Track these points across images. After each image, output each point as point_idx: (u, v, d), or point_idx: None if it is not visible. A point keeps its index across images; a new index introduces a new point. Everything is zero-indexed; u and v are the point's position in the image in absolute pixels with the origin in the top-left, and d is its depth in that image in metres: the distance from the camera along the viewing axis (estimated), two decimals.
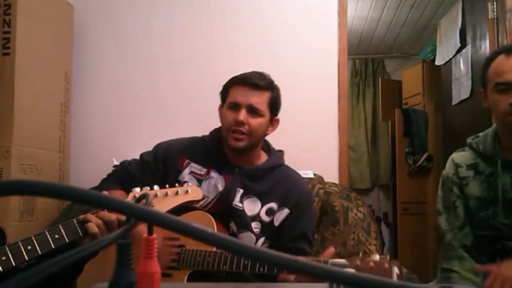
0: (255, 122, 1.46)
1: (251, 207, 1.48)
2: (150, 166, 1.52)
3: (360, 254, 1.28)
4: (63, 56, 2.35)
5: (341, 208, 2.11)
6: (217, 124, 1.60)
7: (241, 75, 1.51)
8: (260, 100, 1.47)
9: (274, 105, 1.52)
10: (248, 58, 2.50)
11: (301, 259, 0.36)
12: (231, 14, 2.55)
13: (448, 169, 1.50)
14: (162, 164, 1.53)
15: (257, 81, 1.47)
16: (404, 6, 4.06)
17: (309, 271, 0.35)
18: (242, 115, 1.44)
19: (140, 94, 2.51)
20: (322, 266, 0.35)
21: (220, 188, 1.48)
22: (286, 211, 1.50)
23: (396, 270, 1.23)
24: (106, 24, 2.55)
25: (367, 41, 4.96)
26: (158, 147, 1.59)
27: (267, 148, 1.61)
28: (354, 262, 1.26)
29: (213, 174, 1.51)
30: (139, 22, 2.55)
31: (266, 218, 1.48)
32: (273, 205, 1.50)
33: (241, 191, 1.49)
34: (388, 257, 1.28)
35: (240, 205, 1.48)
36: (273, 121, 1.54)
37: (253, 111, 1.46)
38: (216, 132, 1.58)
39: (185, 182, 1.43)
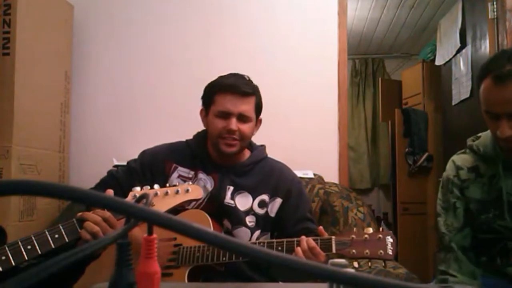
0: (245, 127, 1.49)
1: (243, 202, 1.50)
2: (137, 173, 1.53)
3: (355, 229, 1.30)
4: (63, 56, 2.35)
5: (341, 208, 2.11)
6: None
7: (225, 81, 1.50)
8: (249, 107, 1.49)
9: (259, 108, 1.55)
10: (247, 58, 2.51)
11: (302, 258, 0.36)
12: (229, 15, 2.55)
13: (449, 171, 1.49)
14: (149, 171, 1.54)
15: (244, 89, 1.48)
16: (404, 6, 4.05)
17: (309, 271, 0.35)
18: (234, 124, 1.46)
19: (140, 94, 2.51)
20: (322, 266, 0.35)
21: (210, 188, 1.50)
22: (279, 200, 1.53)
23: (389, 239, 1.25)
24: (105, 24, 2.55)
25: (367, 41, 4.96)
26: (144, 154, 1.61)
27: (249, 144, 1.64)
28: (350, 236, 1.27)
29: (201, 175, 1.53)
30: (139, 22, 2.55)
31: (259, 211, 1.51)
32: (265, 197, 1.52)
33: (231, 188, 1.51)
34: (381, 229, 1.29)
35: (232, 202, 1.50)
36: (257, 122, 1.58)
37: (243, 118, 1.48)
38: (200, 135, 1.61)
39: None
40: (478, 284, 1.38)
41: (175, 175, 1.53)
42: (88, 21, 2.52)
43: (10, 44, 1.92)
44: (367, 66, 5.43)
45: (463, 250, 1.42)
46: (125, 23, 2.55)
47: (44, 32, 2.17)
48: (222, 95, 1.48)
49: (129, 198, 1.22)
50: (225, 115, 1.47)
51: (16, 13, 1.93)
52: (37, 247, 1.11)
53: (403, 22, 4.42)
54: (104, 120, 2.51)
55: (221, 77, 1.54)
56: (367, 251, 1.24)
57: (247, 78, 1.53)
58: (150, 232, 0.56)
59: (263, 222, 1.51)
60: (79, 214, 1.20)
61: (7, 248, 1.08)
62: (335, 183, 2.30)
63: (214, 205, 1.49)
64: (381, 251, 1.24)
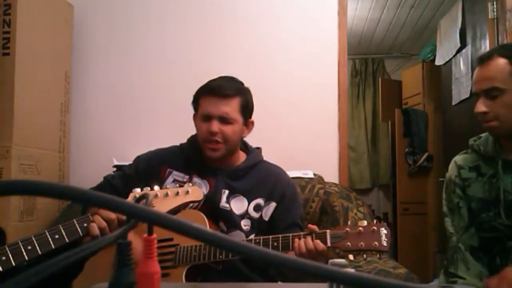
0: (228, 129, 1.47)
1: (238, 206, 1.50)
2: (132, 180, 1.52)
3: (349, 222, 1.29)
4: (63, 56, 2.35)
5: (341, 208, 2.11)
6: None
7: (210, 83, 1.51)
8: (230, 108, 1.47)
9: (246, 109, 1.52)
10: (247, 59, 2.51)
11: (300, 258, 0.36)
12: (229, 15, 2.55)
13: (451, 171, 1.51)
14: (143, 177, 1.52)
15: (225, 91, 1.46)
16: (404, 6, 4.05)
17: (309, 271, 0.35)
18: (215, 126, 1.45)
19: (140, 94, 2.51)
20: (322, 266, 0.35)
21: (205, 192, 1.50)
22: (273, 205, 1.52)
23: (383, 230, 1.25)
24: (105, 24, 2.55)
25: (367, 41, 4.96)
26: (138, 160, 1.60)
27: (245, 147, 1.62)
28: (344, 229, 1.27)
29: (196, 179, 1.52)
30: (139, 22, 2.55)
31: (255, 214, 1.51)
32: (260, 201, 1.52)
33: (227, 191, 1.51)
34: (375, 221, 1.30)
35: (227, 205, 1.50)
36: (248, 124, 1.55)
37: (225, 120, 1.47)
38: (193, 139, 1.60)
39: None
40: (483, 285, 1.38)
41: (169, 179, 1.53)
42: (88, 21, 2.52)
43: (10, 44, 1.92)
44: (367, 66, 5.42)
45: (471, 250, 1.42)
46: (125, 23, 2.55)
47: (44, 32, 2.17)
48: (205, 98, 1.48)
49: (129, 199, 1.23)
50: (207, 118, 1.47)
51: (16, 13, 1.93)
52: (37, 247, 1.11)
53: (403, 22, 4.42)
54: (104, 120, 2.50)
55: (210, 81, 1.54)
56: (361, 243, 1.24)
57: (235, 80, 1.52)
58: (150, 232, 0.56)
59: (258, 226, 1.51)
60: (89, 214, 1.21)
61: (7, 249, 1.08)
62: (335, 183, 2.30)
63: (209, 208, 1.48)
64: (376, 242, 1.24)
